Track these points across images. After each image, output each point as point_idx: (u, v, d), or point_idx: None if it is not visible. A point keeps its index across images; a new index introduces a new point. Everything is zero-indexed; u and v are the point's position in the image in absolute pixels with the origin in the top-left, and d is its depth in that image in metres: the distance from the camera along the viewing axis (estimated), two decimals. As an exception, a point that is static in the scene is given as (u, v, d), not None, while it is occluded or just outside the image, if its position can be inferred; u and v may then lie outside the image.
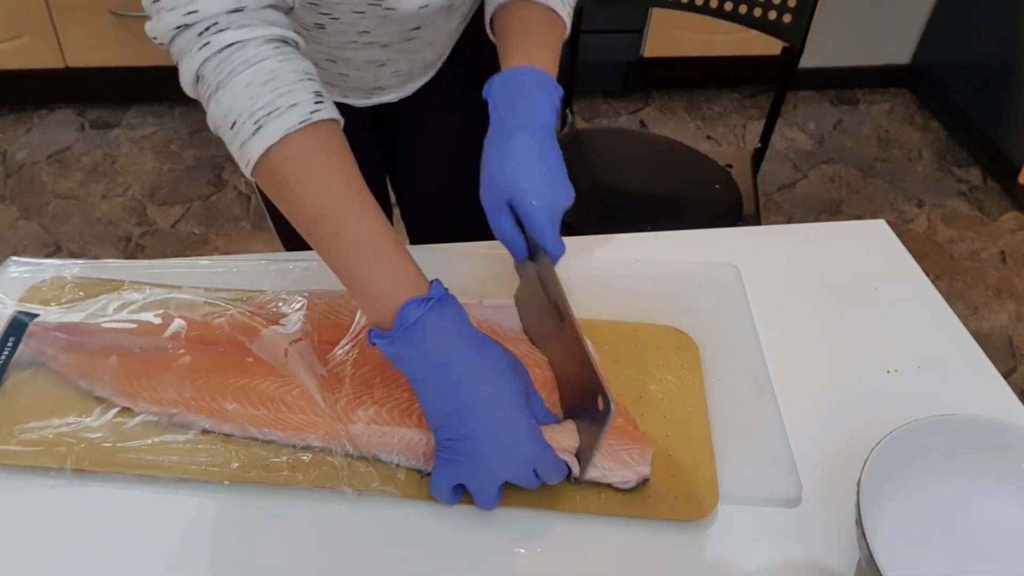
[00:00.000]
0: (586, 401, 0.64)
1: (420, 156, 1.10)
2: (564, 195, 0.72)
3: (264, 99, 0.61)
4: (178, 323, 0.76)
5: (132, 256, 2.06)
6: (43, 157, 2.36)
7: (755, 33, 1.49)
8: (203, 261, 0.85)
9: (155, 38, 0.65)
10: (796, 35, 1.42)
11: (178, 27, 0.62)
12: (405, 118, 1.03)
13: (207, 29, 0.61)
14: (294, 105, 0.61)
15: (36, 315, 0.77)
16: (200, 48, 0.61)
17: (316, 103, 0.62)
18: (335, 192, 0.62)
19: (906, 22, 2.71)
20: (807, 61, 2.43)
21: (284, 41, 0.64)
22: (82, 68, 2.40)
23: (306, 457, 0.67)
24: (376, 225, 0.62)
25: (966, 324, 0.84)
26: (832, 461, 0.69)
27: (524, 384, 0.64)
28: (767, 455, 0.70)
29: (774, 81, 1.50)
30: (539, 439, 0.62)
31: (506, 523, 0.64)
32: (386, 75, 0.91)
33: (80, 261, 0.85)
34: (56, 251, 2.07)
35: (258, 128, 0.61)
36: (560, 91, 0.75)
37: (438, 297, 0.61)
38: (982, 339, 0.83)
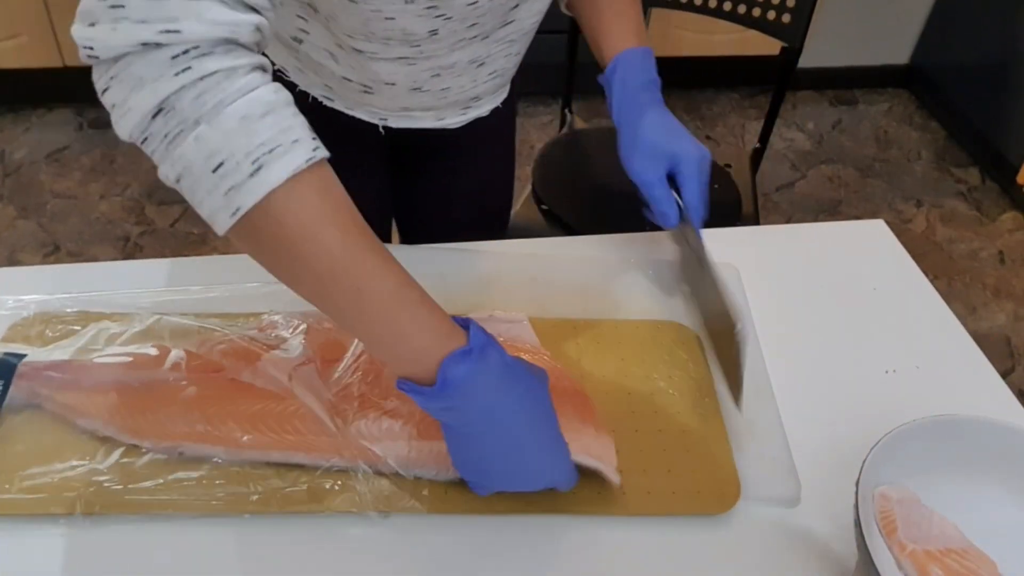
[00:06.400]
0: (726, 327, 0.73)
1: (445, 188, 1.06)
2: (707, 157, 0.83)
3: (264, 135, 0.51)
4: (176, 353, 0.72)
5: (131, 256, 2.06)
6: (41, 156, 2.36)
7: (754, 33, 1.49)
8: (194, 288, 0.81)
9: (90, 48, 0.52)
10: (795, 35, 1.42)
11: (145, 44, 0.50)
12: (456, 145, 0.99)
13: (185, 52, 0.50)
14: (297, 141, 0.52)
15: (23, 355, 0.72)
16: (177, 74, 0.50)
17: (313, 139, 0.54)
18: (353, 241, 0.54)
19: (905, 22, 2.71)
20: (806, 61, 2.43)
21: (265, 69, 0.55)
22: (80, 67, 2.38)
23: (327, 484, 0.65)
24: (400, 274, 0.56)
25: (964, 324, 0.84)
26: (831, 461, 0.69)
27: (549, 402, 0.62)
28: (766, 455, 0.70)
29: (773, 81, 1.50)
30: (565, 465, 0.62)
31: (526, 529, 0.64)
32: (483, 76, 0.87)
33: (66, 295, 0.80)
34: (54, 251, 2.07)
35: (258, 168, 0.51)
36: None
37: (479, 347, 0.56)
38: (980, 339, 0.83)
